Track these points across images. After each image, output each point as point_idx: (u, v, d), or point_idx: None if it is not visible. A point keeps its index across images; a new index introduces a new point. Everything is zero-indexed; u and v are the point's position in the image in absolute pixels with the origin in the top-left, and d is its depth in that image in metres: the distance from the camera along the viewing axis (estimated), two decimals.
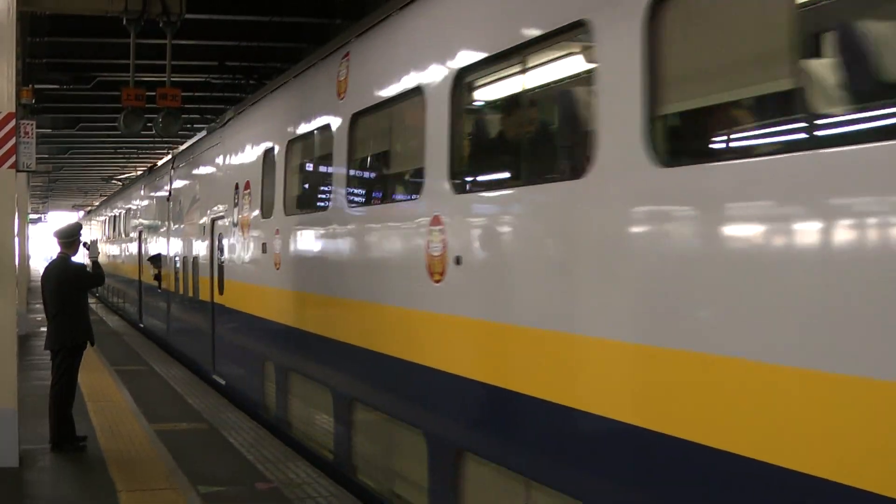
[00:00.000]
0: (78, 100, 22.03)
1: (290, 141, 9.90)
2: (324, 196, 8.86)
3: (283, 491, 7.85)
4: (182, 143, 23.88)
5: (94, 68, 18.91)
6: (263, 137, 11.10)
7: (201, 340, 14.65)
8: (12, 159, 8.63)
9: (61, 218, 54.85)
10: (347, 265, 8.07)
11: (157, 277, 19.66)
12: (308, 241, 9.31)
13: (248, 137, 12.08)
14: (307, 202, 9.85)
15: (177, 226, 17.71)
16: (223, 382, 13.19)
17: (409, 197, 7.06)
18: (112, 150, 32.99)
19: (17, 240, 9.43)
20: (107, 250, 33.31)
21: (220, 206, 13.37)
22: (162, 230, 19.77)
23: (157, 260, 19.65)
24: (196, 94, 19.49)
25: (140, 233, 24.09)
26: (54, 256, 9.98)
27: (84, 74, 19.33)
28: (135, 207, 26.28)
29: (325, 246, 8.76)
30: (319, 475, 8.35)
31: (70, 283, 9.57)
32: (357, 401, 8.00)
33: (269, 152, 10.62)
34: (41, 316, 12.87)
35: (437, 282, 6.00)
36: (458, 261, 5.77)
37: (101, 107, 22.38)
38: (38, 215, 58.57)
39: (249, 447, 9.50)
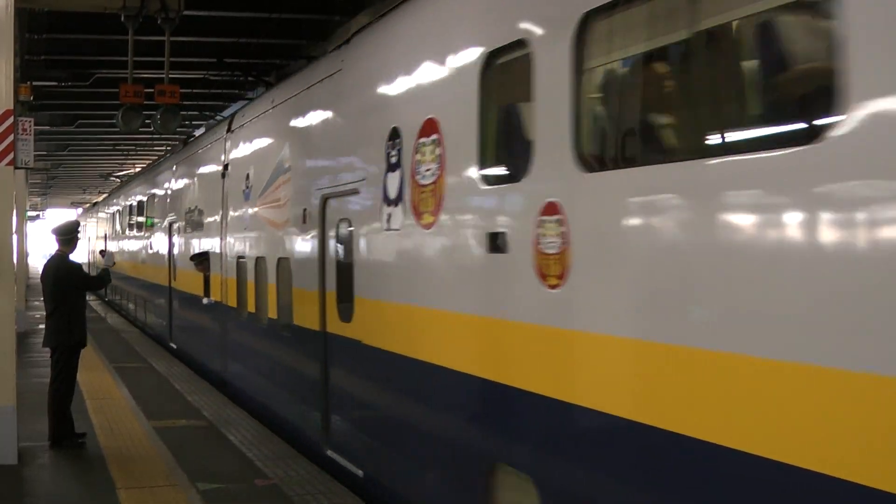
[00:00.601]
0: (76, 97, 22.01)
1: (590, 14, 4.66)
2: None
3: (283, 488, 7.85)
4: (177, 140, 23.83)
5: (93, 65, 18.90)
6: (479, 31, 5.87)
7: (299, 391, 9.51)
8: (10, 156, 8.63)
9: (60, 215, 54.84)
10: None
11: (206, 285, 14.12)
12: (713, 229, 3.93)
13: (423, 41, 6.74)
14: (699, 137, 4.34)
15: (239, 212, 12.18)
16: (359, 472, 7.77)
17: None
18: (111, 147, 32.97)
19: (15, 237, 9.42)
20: (120, 248, 28.35)
21: (343, 173, 8.11)
22: (211, 220, 14.28)
23: (203, 260, 14.31)
24: (195, 90, 19.47)
25: (170, 225, 18.17)
26: (53, 253, 9.99)
27: (82, 71, 19.32)
28: (162, 192, 19.84)
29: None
30: (319, 472, 8.34)
31: (65, 282, 9.56)
32: None
33: (496, 57, 5.56)
34: (40, 313, 12.88)
35: None
36: None
37: (99, 104, 22.35)
38: (37, 212, 58.56)
39: (249, 444, 9.50)
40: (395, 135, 6.85)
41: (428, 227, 6.29)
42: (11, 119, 8.65)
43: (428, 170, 6.31)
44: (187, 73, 18.31)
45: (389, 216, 6.92)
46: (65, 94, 21.36)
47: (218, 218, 13.50)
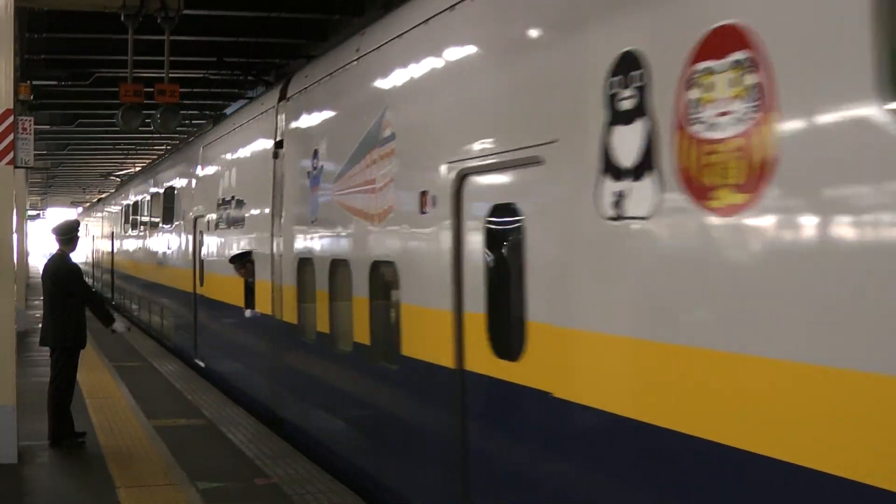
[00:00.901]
0: (76, 96, 22.06)
1: None
2: None
3: (282, 487, 7.85)
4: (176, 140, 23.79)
5: (93, 64, 18.93)
6: None
7: (414, 451, 6.80)
8: (10, 156, 8.63)
9: (60, 214, 54.88)
10: None
11: (248, 293, 11.57)
12: None
13: None
14: None
15: (302, 201, 9.40)
16: None
17: None
18: (110, 147, 33.04)
19: (15, 236, 9.43)
20: (130, 247, 25.44)
21: (503, 135, 5.51)
22: (255, 212, 11.54)
23: (246, 262, 11.58)
24: (194, 90, 19.50)
25: (196, 220, 15.21)
26: (53, 253, 10.00)
27: (82, 71, 19.36)
28: (185, 182, 16.86)
29: None
30: (318, 471, 8.35)
31: (64, 282, 9.55)
32: None
33: None
34: (39, 312, 12.87)
35: None
36: None
37: (99, 103, 22.40)
38: (37, 211, 58.63)
39: (248, 443, 9.50)
40: (628, 64, 4.34)
41: (729, 211, 3.72)
42: (11, 118, 8.65)
43: (724, 114, 3.75)
44: (187, 73, 18.35)
45: (620, 196, 4.38)
46: (64, 93, 21.41)
47: (267, 209, 10.70)
